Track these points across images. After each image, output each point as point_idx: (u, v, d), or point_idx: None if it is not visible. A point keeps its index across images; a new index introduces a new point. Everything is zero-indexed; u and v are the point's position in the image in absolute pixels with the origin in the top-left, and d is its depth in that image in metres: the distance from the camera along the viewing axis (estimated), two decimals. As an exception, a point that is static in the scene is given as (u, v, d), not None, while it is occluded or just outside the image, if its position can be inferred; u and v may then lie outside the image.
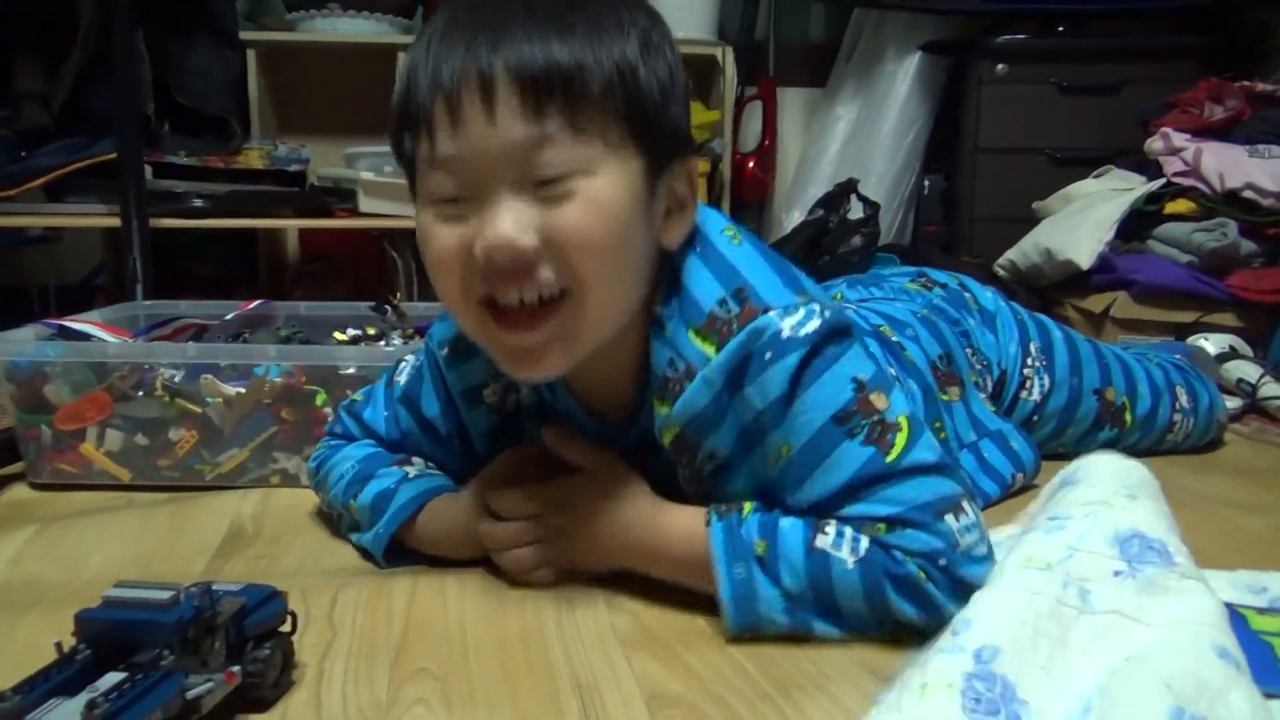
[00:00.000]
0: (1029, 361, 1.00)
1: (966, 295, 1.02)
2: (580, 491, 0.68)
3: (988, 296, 1.03)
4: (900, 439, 0.61)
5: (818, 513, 0.62)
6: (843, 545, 0.59)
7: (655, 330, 0.65)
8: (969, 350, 0.95)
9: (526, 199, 0.58)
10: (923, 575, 0.58)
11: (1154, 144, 1.72)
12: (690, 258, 0.65)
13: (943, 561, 0.58)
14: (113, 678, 0.47)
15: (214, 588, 0.52)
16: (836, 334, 0.62)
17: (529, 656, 0.59)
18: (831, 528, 0.60)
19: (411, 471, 0.76)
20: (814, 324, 0.61)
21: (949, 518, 0.59)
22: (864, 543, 0.59)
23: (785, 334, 0.61)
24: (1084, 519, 0.57)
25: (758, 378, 0.61)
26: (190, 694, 0.47)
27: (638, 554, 0.67)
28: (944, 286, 1.02)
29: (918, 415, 0.63)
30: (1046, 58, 2.09)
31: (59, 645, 0.49)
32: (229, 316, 1.16)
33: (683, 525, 0.65)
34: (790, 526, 0.61)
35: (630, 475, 0.68)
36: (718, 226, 0.67)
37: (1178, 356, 1.16)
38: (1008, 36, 2.09)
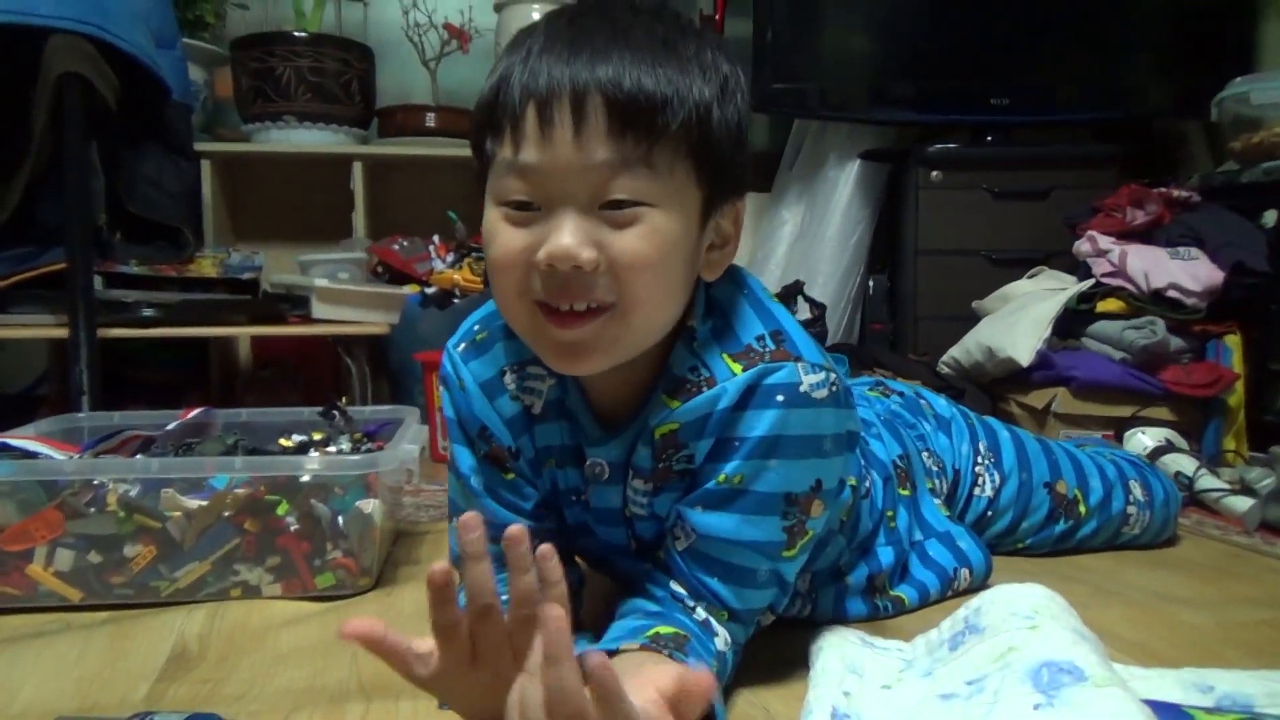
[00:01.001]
0: (979, 460, 1.03)
1: (922, 402, 1.07)
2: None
3: (942, 404, 1.09)
4: (799, 545, 0.70)
5: (698, 560, 0.68)
6: (723, 642, 0.68)
7: (684, 340, 0.70)
8: (925, 453, 0.99)
9: (592, 217, 0.62)
10: (737, 652, 0.71)
11: (1082, 246, 1.81)
12: (738, 298, 0.71)
13: (744, 641, 0.72)
14: None
15: (155, 719, 0.51)
16: (849, 439, 0.71)
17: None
18: (713, 623, 0.68)
19: None
20: (823, 393, 0.67)
21: (760, 618, 0.73)
22: (726, 636, 0.69)
23: (802, 388, 0.66)
24: (999, 673, 0.60)
25: (758, 408, 0.66)
26: None
27: None
28: (900, 394, 1.08)
29: (816, 538, 0.72)
30: (978, 165, 2.19)
31: None
32: (170, 426, 1.14)
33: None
34: (705, 636, 0.67)
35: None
36: (760, 286, 0.74)
37: (1135, 455, 1.20)
38: (940, 146, 2.20)
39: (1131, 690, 0.55)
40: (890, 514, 0.90)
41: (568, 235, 0.61)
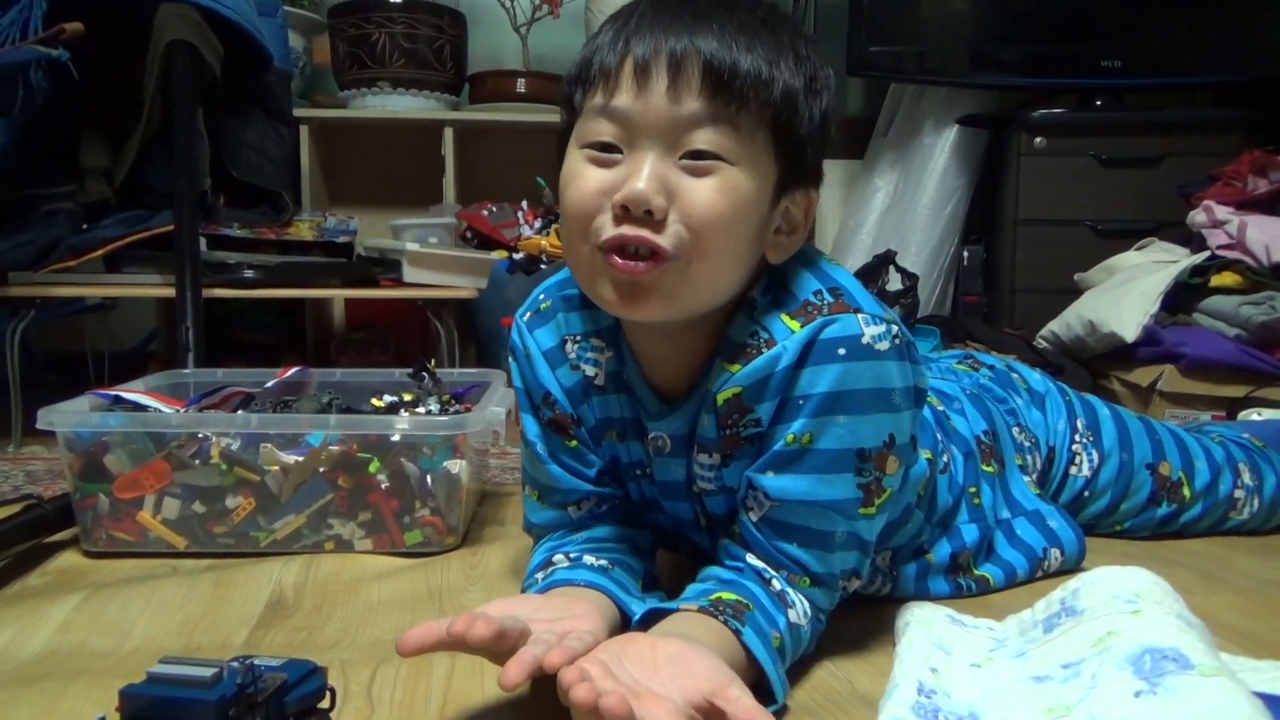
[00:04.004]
0: (1076, 438, 1.00)
1: (1014, 376, 1.03)
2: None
3: (1036, 378, 1.04)
4: (877, 503, 0.68)
5: (774, 528, 0.67)
6: (800, 613, 0.67)
7: (744, 310, 0.69)
8: (1016, 428, 0.96)
9: (672, 165, 0.63)
10: (823, 619, 0.70)
11: (1196, 217, 1.72)
12: (794, 265, 0.71)
13: (831, 608, 0.71)
14: None
15: (255, 664, 0.53)
16: (918, 394, 0.69)
17: (567, 738, 0.59)
18: (791, 594, 0.67)
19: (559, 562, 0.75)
20: (886, 344, 0.66)
21: (845, 582, 0.71)
22: (806, 606, 0.68)
23: (864, 340, 0.65)
24: (1097, 657, 0.57)
25: (820, 364, 0.65)
26: None
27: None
28: (991, 368, 1.04)
29: (896, 496, 0.70)
30: (1085, 131, 2.10)
31: None
32: (269, 384, 1.18)
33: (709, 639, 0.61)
34: (773, 608, 0.65)
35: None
36: (820, 255, 0.74)
37: (1245, 436, 1.14)
38: (1045, 111, 2.11)
39: (1241, 682, 0.53)
40: (973, 490, 0.87)
41: (645, 179, 0.62)
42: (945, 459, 0.84)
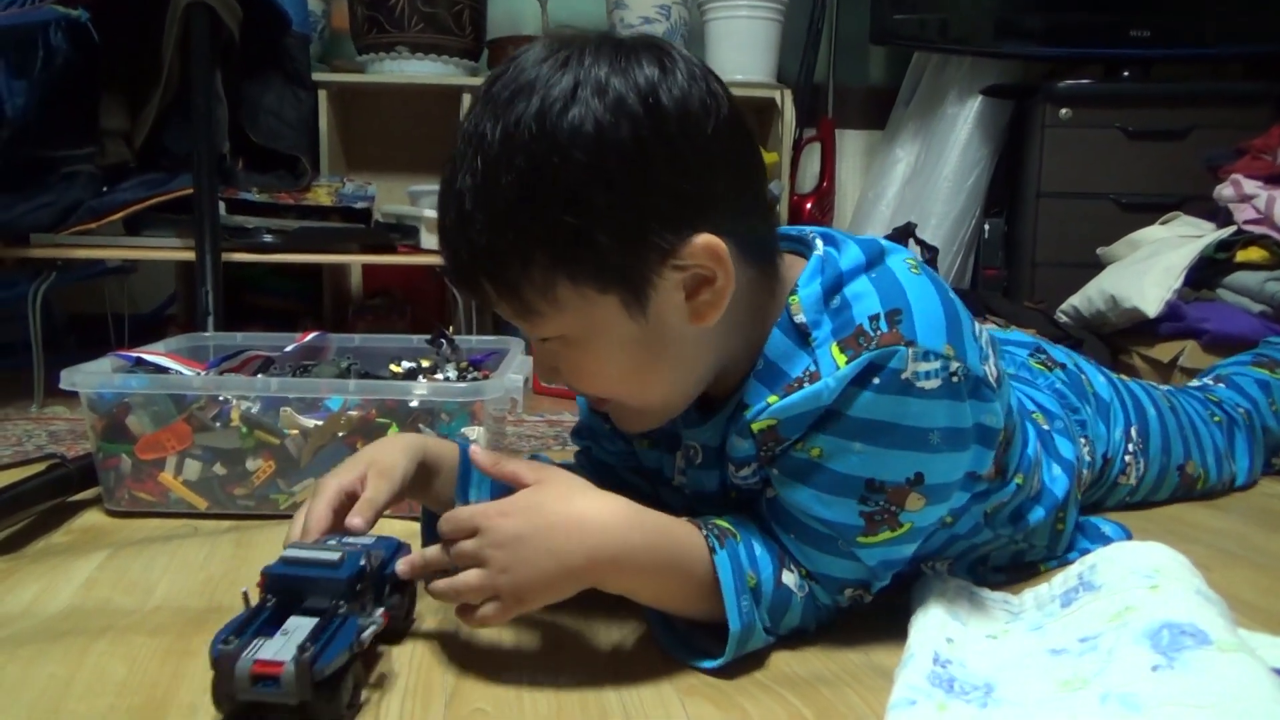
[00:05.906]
0: (1130, 447, 0.99)
1: (1083, 378, 0.98)
2: (533, 499, 0.61)
3: (1101, 382, 1.00)
4: (884, 535, 0.65)
5: (776, 513, 0.67)
6: (795, 582, 0.66)
7: (794, 335, 0.64)
8: (1083, 439, 0.93)
9: (544, 347, 0.66)
10: (822, 610, 0.68)
11: (1224, 190, 1.69)
12: (861, 278, 0.65)
13: (830, 606, 0.68)
14: (300, 621, 0.56)
15: (365, 545, 0.62)
16: (980, 433, 0.66)
17: (584, 700, 0.59)
18: (792, 564, 0.66)
19: None
20: (934, 383, 0.61)
21: (848, 591, 0.68)
22: (805, 583, 0.67)
23: (904, 375, 0.60)
24: (1114, 632, 0.57)
25: (853, 388, 0.61)
26: (363, 634, 0.58)
27: (605, 559, 0.60)
28: (1063, 367, 0.99)
29: (919, 531, 0.66)
30: (1111, 102, 2.07)
31: (246, 595, 0.59)
32: (288, 348, 1.19)
33: (664, 527, 0.63)
34: (762, 555, 0.65)
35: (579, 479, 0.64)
36: (901, 258, 0.67)
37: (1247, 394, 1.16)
38: (1071, 82, 2.08)
39: (1259, 658, 0.53)
40: (1061, 513, 0.82)
41: (534, 365, 0.68)
42: (1038, 483, 0.79)
